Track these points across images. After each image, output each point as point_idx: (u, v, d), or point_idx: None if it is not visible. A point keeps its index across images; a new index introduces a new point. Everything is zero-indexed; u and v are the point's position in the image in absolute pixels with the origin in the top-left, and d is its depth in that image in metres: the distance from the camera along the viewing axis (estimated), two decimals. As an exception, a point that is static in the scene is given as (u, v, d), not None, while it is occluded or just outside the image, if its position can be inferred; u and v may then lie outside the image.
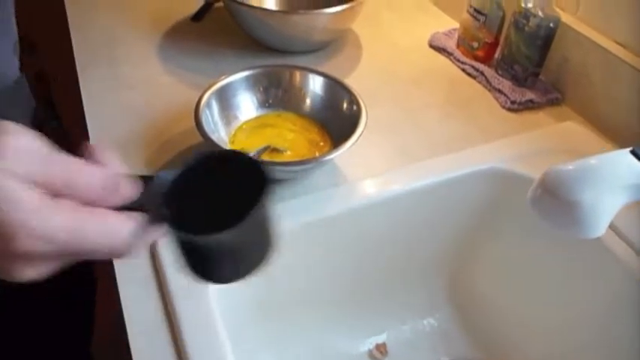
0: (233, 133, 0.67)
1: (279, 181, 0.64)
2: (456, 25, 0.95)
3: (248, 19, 0.83)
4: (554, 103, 0.79)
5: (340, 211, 0.62)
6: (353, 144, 0.61)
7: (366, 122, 0.63)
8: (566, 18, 0.76)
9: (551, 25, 0.74)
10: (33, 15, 1.15)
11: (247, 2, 0.86)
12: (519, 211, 0.69)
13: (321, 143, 0.67)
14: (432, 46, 0.90)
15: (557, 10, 0.75)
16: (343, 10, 0.80)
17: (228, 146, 0.64)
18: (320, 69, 0.71)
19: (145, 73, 0.81)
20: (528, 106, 0.78)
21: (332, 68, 0.82)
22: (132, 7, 0.97)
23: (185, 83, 0.80)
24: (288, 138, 0.68)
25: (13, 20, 0.69)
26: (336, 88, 0.69)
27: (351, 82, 0.69)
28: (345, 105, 0.67)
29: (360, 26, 0.93)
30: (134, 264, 0.55)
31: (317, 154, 0.65)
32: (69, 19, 0.93)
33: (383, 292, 0.73)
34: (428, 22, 0.97)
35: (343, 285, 0.70)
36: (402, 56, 0.88)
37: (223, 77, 0.67)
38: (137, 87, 0.78)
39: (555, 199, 0.40)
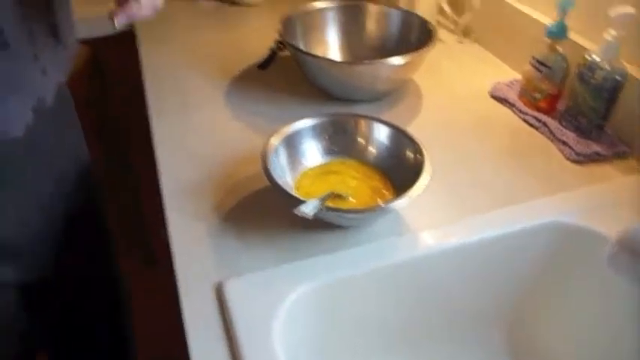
0: (298, 178, 0.69)
1: (342, 228, 0.65)
2: (517, 75, 0.95)
3: (313, 68, 0.86)
4: (621, 156, 0.77)
5: (402, 261, 0.62)
6: (418, 195, 0.61)
7: (431, 173, 0.63)
8: (632, 70, 0.75)
9: (618, 77, 0.74)
10: (105, 60, 1.22)
11: (312, 52, 0.89)
12: (584, 265, 0.67)
13: (384, 191, 0.68)
14: (493, 96, 0.91)
15: (624, 62, 0.75)
16: (406, 61, 0.82)
17: (293, 191, 0.65)
18: (382, 117, 0.73)
19: (214, 119, 0.85)
20: (594, 158, 0.77)
21: (393, 117, 0.83)
22: (202, 55, 1.02)
23: (251, 129, 0.83)
24: (351, 185, 0.69)
25: (37, 76, 0.69)
26: (399, 137, 0.70)
27: (411, 130, 0.70)
28: (408, 154, 0.68)
29: (420, 76, 0.94)
30: (201, 303, 0.57)
31: (379, 202, 0.66)
32: (142, 66, 0.98)
33: (440, 345, 0.72)
34: (488, 72, 0.98)
35: (400, 336, 0.70)
36: (463, 106, 0.89)
37: (291, 124, 0.70)
38: (206, 132, 0.82)
39: (635, 257, 0.39)
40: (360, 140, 0.72)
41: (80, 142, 0.87)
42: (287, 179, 0.67)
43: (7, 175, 0.70)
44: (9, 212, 0.72)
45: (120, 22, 0.63)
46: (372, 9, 0.96)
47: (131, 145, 1.32)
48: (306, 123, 0.70)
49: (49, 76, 0.72)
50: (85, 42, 1.15)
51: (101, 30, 1.16)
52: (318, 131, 0.71)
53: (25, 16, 0.66)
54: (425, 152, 0.66)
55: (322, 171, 0.71)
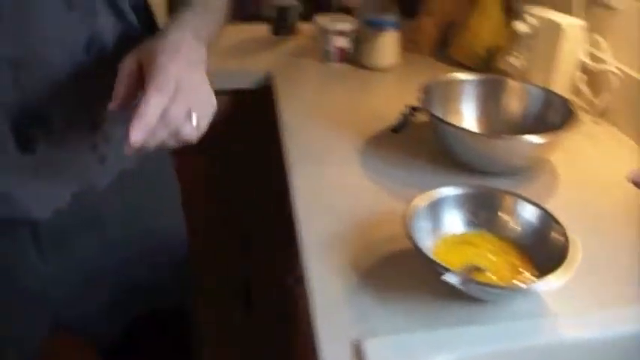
0: (437, 244, 0.70)
1: (477, 300, 0.65)
2: (658, 163, 0.92)
3: (450, 137, 0.87)
4: None
5: (544, 344, 0.61)
6: (565, 280, 0.60)
7: (580, 259, 0.62)
8: None
9: None
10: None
11: (446, 119, 0.90)
12: None
13: (521, 269, 0.67)
14: (634, 182, 0.88)
15: None
16: (547, 140, 0.82)
17: (432, 256, 0.66)
18: (517, 193, 0.73)
19: (348, 176, 0.88)
20: None
21: (529, 193, 0.81)
22: (334, 114, 1.07)
23: (385, 190, 0.85)
24: (489, 259, 0.68)
25: (91, 165, 0.64)
26: (544, 217, 0.69)
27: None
28: (553, 236, 0.67)
29: (556, 154, 0.93)
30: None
31: (521, 280, 0.65)
32: (280, 120, 1.04)
33: None
34: (628, 158, 0.95)
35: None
36: (601, 189, 0.87)
37: (436, 190, 0.71)
38: (340, 188, 0.85)
39: None
40: (502, 215, 0.71)
41: (160, 224, 0.81)
42: (427, 244, 0.68)
43: (43, 229, 0.65)
44: (47, 267, 0.68)
45: (127, 152, 0.51)
46: (513, 85, 0.97)
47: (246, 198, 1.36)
48: (450, 191, 0.71)
49: (108, 165, 0.66)
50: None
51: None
52: (462, 201, 0.71)
53: (84, 104, 0.61)
54: (572, 237, 0.65)
55: (459, 241, 0.71)
